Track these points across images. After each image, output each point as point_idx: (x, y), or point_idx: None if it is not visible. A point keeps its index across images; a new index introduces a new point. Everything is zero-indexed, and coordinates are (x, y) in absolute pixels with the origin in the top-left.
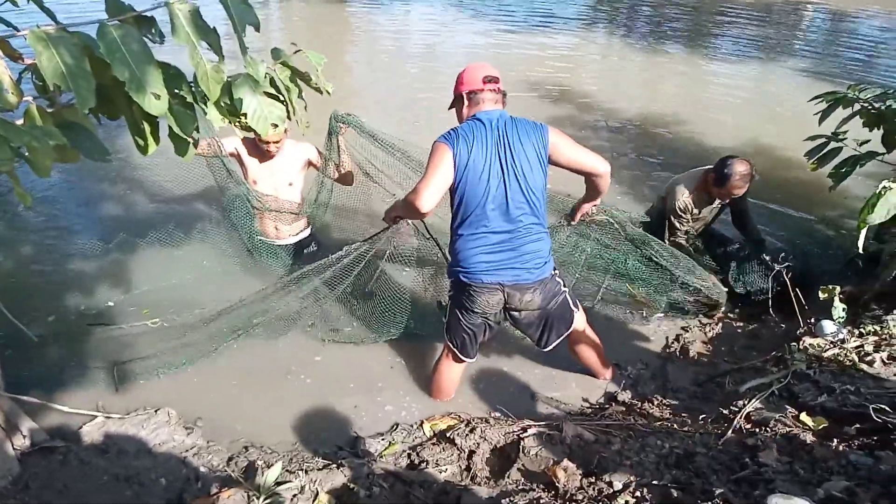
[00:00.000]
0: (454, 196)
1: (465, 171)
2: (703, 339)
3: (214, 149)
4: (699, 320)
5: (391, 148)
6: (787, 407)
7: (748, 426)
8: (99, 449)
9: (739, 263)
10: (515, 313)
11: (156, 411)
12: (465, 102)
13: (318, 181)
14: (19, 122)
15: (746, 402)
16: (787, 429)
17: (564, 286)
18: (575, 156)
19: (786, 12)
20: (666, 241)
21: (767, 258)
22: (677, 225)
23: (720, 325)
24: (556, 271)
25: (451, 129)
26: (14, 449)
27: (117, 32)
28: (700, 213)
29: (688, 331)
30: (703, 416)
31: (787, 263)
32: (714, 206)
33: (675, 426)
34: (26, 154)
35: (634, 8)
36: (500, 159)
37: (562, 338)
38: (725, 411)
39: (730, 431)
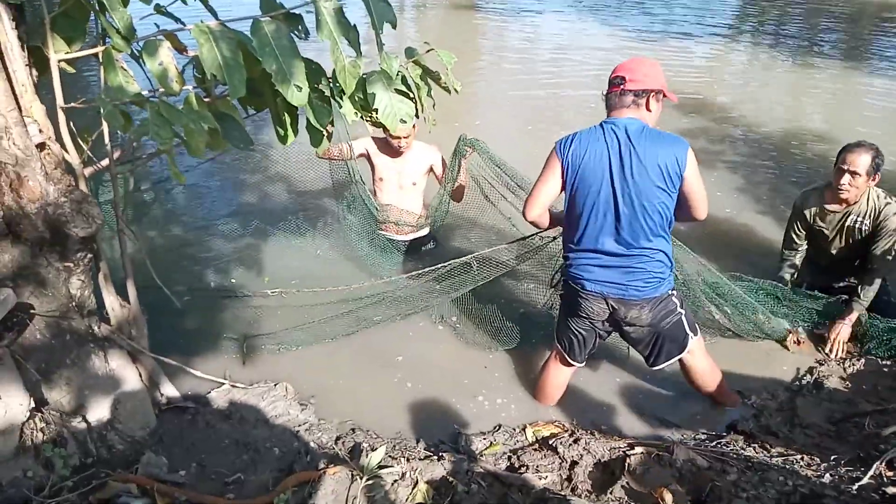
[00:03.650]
0: (565, 205)
1: (574, 180)
2: (842, 375)
3: (345, 154)
4: (837, 355)
5: (512, 176)
6: None
7: (890, 474)
8: (223, 414)
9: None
10: (624, 326)
11: (275, 385)
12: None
13: (439, 194)
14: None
15: (889, 447)
16: None
17: (682, 308)
18: (694, 191)
19: None
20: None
21: None
22: (794, 230)
23: (863, 361)
24: (674, 292)
25: (572, 134)
26: (153, 405)
27: (269, 28)
28: (823, 224)
29: (823, 364)
30: (836, 457)
31: None
32: (839, 215)
33: (802, 464)
34: (183, 136)
35: (783, 19)
36: (613, 176)
37: (673, 360)
38: (863, 455)
39: (867, 477)
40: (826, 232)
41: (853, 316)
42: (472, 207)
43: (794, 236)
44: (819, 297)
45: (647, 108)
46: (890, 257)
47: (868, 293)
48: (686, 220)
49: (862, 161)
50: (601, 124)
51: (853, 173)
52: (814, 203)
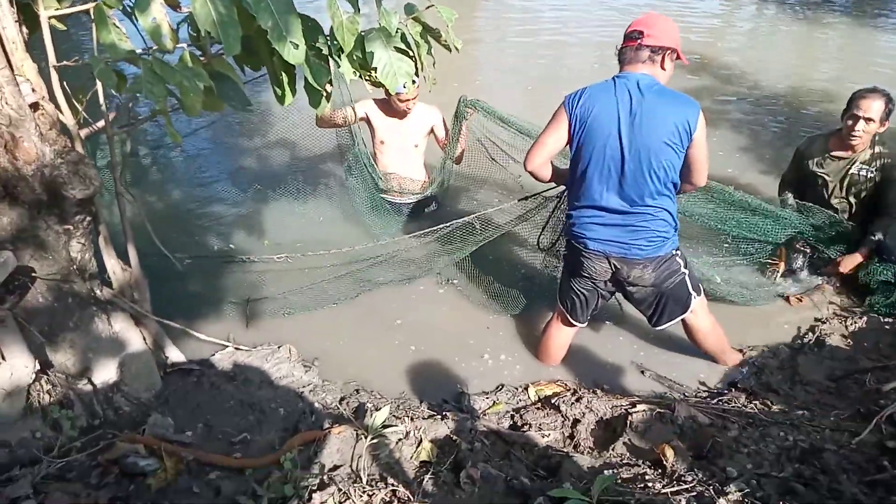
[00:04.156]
0: (570, 159)
1: (581, 134)
2: (843, 333)
3: (350, 118)
4: (837, 311)
5: (520, 131)
6: None
7: (890, 428)
8: (228, 376)
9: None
10: (627, 286)
11: (279, 347)
12: (618, 60)
13: (442, 160)
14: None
15: (889, 403)
16: None
17: (685, 268)
18: (699, 157)
19: None
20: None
21: None
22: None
23: (864, 319)
24: (678, 251)
25: (583, 87)
26: (158, 367)
27: None
28: (825, 171)
29: (825, 322)
30: (837, 412)
31: None
32: (844, 162)
33: (803, 420)
34: (178, 95)
35: None
36: (622, 131)
37: (675, 320)
38: (863, 410)
39: (867, 431)
40: (828, 178)
41: (862, 251)
42: (476, 168)
43: (790, 182)
44: (823, 212)
45: (662, 67)
46: None
47: (877, 233)
48: (685, 186)
49: (876, 107)
50: (613, 78)
51: (867, 119)
52: (818, 149)
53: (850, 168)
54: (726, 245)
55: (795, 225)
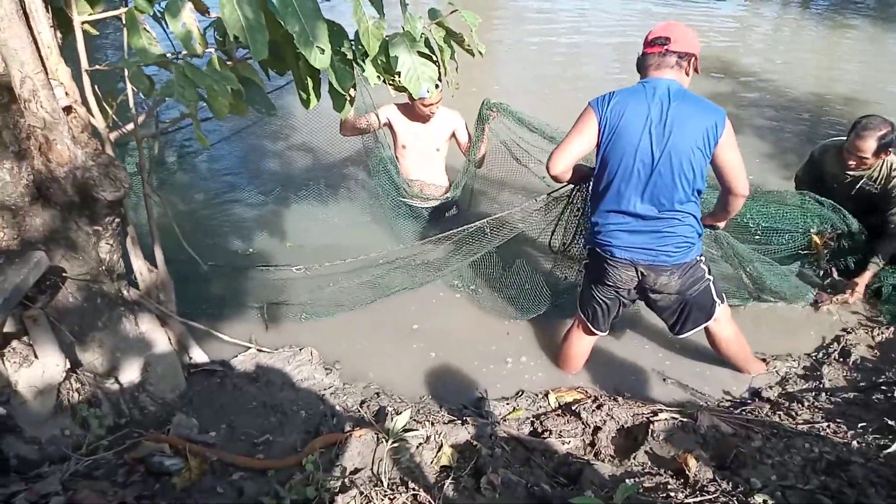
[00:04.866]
0: (597, 164)
1: (610, 139)
2: (870, 343)
3: (374, 124)
4: (863, 322)
5: (542, 133)
6: None
7: None
8: (250, 377)
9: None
10: (651, 294)
11: (300, 350)
12: (638, 66)
13: (464, 164)
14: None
15: None
16: None
17: (710, 274)
18: (731, 161)
19: None
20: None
21: None
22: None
23: (891, 329)
24: (703, 258)
25: (609, 92)
26: (183, 368)
27: None
28: (836, 185)
29: (851, 332)
30: (864, 424)
31: None
32: (853, 177)
33: (828, 432)
34: (207, 98)
35: None
36: (652, 135)
37: (699, 328)
38: (891, 422)
39: None
40: (839, 191)
41: (868, 274)
42: (499, 171)
43: (804, 181)
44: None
45: (686, 73)
46: None
47: (885, 253)
48: (731, 202)
49: (867, 146)
50: (642, 83)
51: (860, 157)
52: (831, 160)
53: (858, 184)
54: (757, 237)
55: (819, 213)
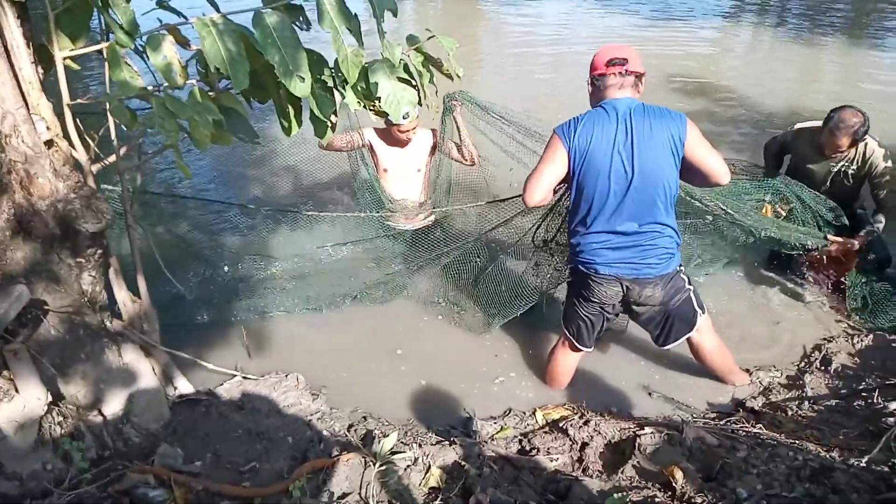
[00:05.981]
0: (571, 190)
1: (582, 165)
2: (850, 351)
3: (355, 143)
4: (843, 330)
5: (505, 120)
6: None
7: None
8: (236, 405)
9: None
10: (635, 307)
11: (286, 376)
12: (592, 88)
13: (434, 162)
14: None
15: None
16: None
17: (690, 284)
18: (705, 156)
19: None
20: None
21: None
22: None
23: (871, 336)
24: (682, 268)
25: (573, 118)
26: (167, 397)
27: (271, 19)
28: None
29: (831, 340)
30: (846, 431)
31: None
32: (827, 163)
33: (811, 439)
34: (188, 130)
35: None
36: (622, 155)
37: (682, 339)
38: (872, 428)
39: (876, 450)
40: (816, 174)
41: (859, 237)
42: (476, 179)
43: (774, 165)
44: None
45: (639, 91)
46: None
47: (878, 224)
48: (709, 185)
49: (843, 143)
50: (602, 106)
51: (837, 150)
52: (804, 143)
53: (835, 166)
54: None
55: (773, 187)
